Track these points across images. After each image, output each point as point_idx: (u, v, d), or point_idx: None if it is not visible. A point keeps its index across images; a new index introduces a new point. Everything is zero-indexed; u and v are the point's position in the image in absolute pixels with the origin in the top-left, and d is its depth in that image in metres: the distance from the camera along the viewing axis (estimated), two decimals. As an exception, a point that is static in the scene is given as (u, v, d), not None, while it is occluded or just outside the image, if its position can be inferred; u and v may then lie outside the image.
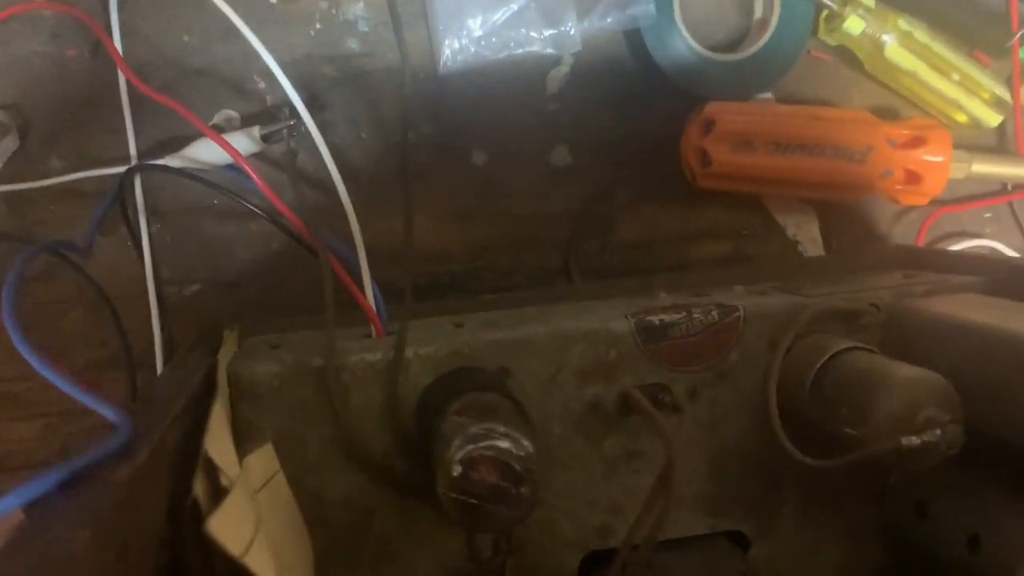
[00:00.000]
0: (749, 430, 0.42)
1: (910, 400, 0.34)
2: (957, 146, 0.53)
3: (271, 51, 0.45)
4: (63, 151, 0.50)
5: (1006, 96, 0.54)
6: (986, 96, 0.54)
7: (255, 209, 0.46)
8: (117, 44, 0.48)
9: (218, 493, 0.26)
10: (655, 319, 0.41)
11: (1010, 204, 0.60)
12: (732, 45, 0.54)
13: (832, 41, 0.54)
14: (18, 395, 0.52)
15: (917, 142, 0.52)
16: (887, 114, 0.56)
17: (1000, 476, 0.38)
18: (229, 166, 0.48)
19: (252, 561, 0.23)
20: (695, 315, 0.41)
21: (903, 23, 0.52)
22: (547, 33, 0.50)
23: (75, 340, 0.52)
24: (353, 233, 0.43)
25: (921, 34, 0.52)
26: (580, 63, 0.53)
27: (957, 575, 0.39)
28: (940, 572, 0.41)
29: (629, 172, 0.55)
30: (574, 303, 0.46)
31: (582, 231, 0.55)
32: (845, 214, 0.58)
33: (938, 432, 0.33)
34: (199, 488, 0.26)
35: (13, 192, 0.50)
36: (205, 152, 0.48)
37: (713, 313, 0.41)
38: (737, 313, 0.41)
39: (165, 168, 0.48)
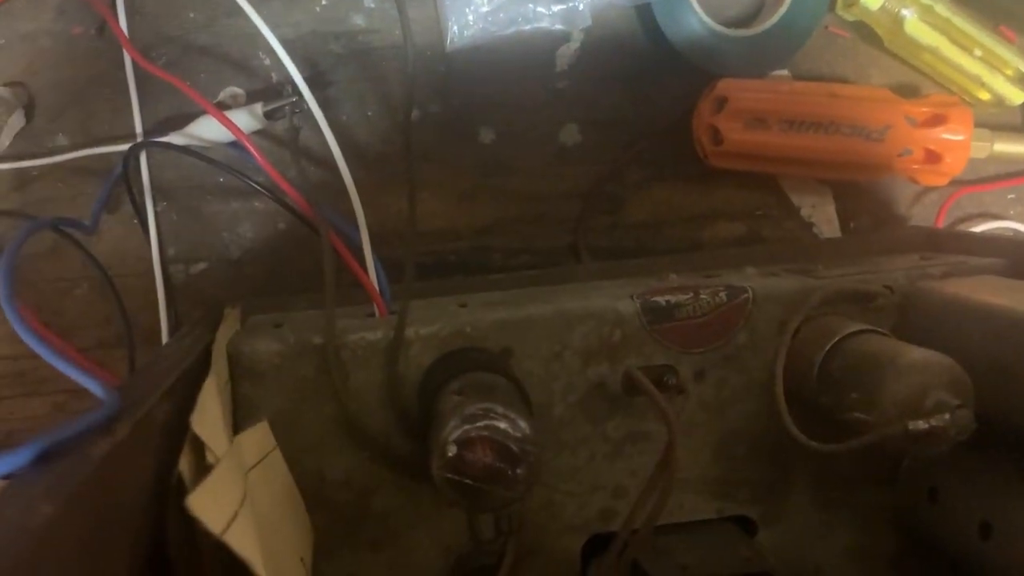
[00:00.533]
0: (757, 413, 0.41)
1: (919, 384, 0.33)
2: (979, 125, 0.52)
3: (276, 28, 0.45)
4: (69, 129, 0.50)
5: (1031, 73, 0.53)
6: (1010, 73, 0.52)
7: (258, 187, 0.45)
8: (122, 22, 0.48)
9: (203, 470, 0.26)
10: (662, 299, 0.40)
11: (1034, 184, 0.58)
12: (746, 20, 0.53)
13: (850, 16, 0.52)
14: (27, 372, 0.52)
15: (937, 120, 0.51)
16: (907, 91, 0.54)
17: (1014, 463, 0.37)
18: (234, 143, 0.48)
19: (232, 538, 0.23)
20: (703, 296, 0.40)
21: (924, -4, 0.50)
22: (556, 8, 0.49)
23: (81, 318, 0.52)
24: (356, 211, 0.43)
25: (943, 8, 0.50)
26: (590, 39, 0.52)
27: (968, 562, 0.38)
28: (951, 558, 0.40)
29: (639, 150, 0.54)
30: (581, 284, 0.46)
31: (591, 210, 0.54)
32: (862, 194, 0.56)
33: (947, 417, 0.32)
34: (184, 464, 0.25)
35: (19, 169, 0.50)
36: (209, 130, 0.48)
37: (721, 294, 0.40)
38: (746, 294, 0.40)
39: (169, 145, 0.48)
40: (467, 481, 0.31)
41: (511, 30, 0.49)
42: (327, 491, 0.39)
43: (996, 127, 0.54)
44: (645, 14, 0.51)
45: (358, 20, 0.50)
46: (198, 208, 0.51)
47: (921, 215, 0.57)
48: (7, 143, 0.49)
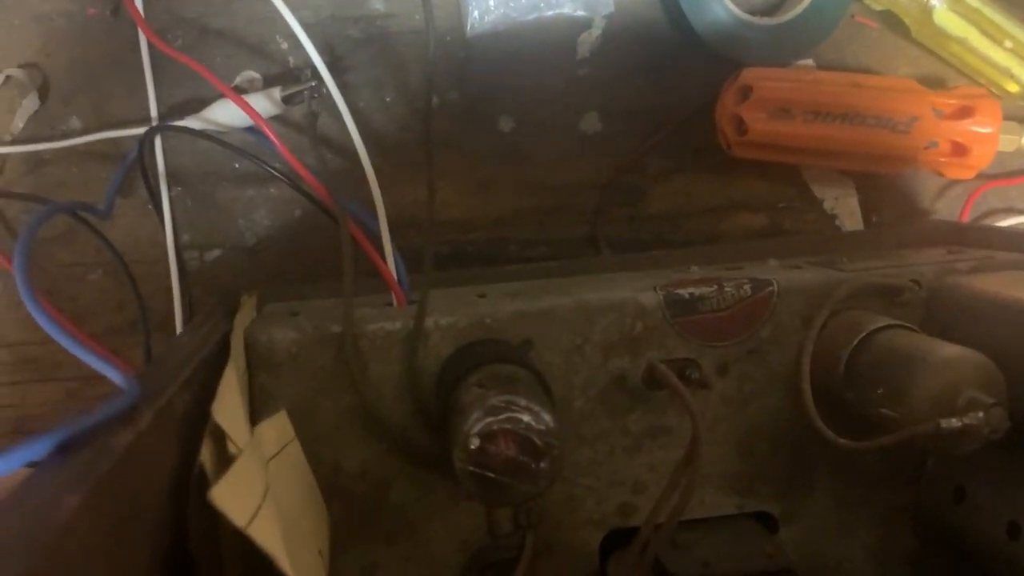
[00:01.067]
0: (780, 408, 0.41)
1: (951, 381, 0.32)
2: (1007, 118, 0.52)
3: (295, 11, 0.44)
4: (83, 112, 0.49)
5: (1062, 65, 0.52)
6: (1040, 65, 0.51)
7: (276, 173, 0.45)
8: (138, 2, 0.47)
9: (225, 461, 0.25)
10: (685, 292, 0.39)
11: (1062, 179, 0.57)
12: (771, 8, 0.52)
13: (877, 6, 0.51)
14: (41, 359, 0.52)
15: (965, 112, 0.50)
16: (934, 83, 0.53)
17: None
18: (250, 128, 0.47)
19: (256, 531, 0.23)
20: (727, 289, 0.39)
21: (954, -14, 0.49)
22: (578, -6, 0.48)
23: (95, 304, 0.51)
24: (375, 199, 0.42)
25: (973, -2, 0.50)
26: (612, 26, 0.51)
27: (995, 561, 0.38)
28: (976, 557, 0.39)
29: (661, 140, 0.53)
30: (601, 275, 0.45)
31: (611, 201, 0.53)
32: (886, 187, 0.55)
33: (980, 415, 0.31)
34: (206, 455, 0.25)
35: (33, 153, 0.49)
36: (226, 114, 0.47)
37: (745, 287, 0.39)
38: (770, 287, 0.40)
39: (185, 130, 0.47)
40: (489, 474, 0.31)
41: (532, 16, 0.48)
42: (343, 482, 0.38)
43: (1024, 120, 0.53)
44: (669, 1, 0.50)
45: (377, 5, 0.50)
46: (213, 194, 0.51)
47: (945, 209, 0.56)
48: (21, 125, 0.49)
